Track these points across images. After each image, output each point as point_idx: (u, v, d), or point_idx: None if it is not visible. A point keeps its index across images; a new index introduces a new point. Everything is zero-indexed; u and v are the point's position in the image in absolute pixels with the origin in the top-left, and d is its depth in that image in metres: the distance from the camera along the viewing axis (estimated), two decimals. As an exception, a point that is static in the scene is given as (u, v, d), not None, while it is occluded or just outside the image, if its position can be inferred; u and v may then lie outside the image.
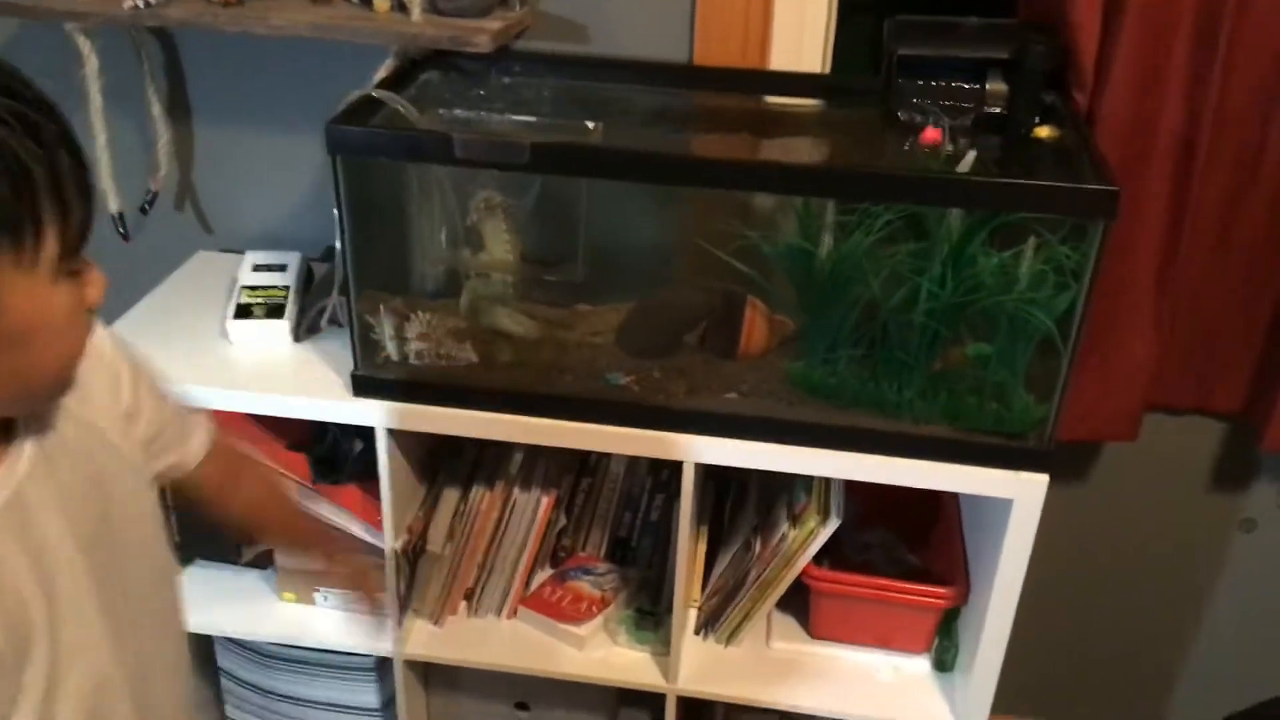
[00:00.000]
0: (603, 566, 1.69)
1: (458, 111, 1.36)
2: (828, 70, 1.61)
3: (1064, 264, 1.22)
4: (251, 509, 1.14)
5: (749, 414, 1.34)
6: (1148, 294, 1.55)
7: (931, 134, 1.36)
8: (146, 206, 1.67)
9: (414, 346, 1.38)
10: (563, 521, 1.64)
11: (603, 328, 1.45)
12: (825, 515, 1.47)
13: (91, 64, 1.48)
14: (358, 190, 1.30)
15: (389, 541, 1.48)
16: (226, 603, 1.65)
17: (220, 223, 1.76)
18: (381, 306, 1.37)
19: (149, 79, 1.58)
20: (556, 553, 1.70)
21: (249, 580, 1.69)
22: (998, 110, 1.40)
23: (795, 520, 1.49)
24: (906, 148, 1.37)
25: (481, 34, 1.33)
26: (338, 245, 1.31)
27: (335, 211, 1.29)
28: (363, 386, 1.39)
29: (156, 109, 1.60)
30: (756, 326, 1.38)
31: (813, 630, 1.60)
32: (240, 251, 1.71)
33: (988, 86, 1.39)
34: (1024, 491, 1.30)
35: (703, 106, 1.53)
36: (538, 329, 1.43)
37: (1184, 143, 1.44)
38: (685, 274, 1.45)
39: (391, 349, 1.38)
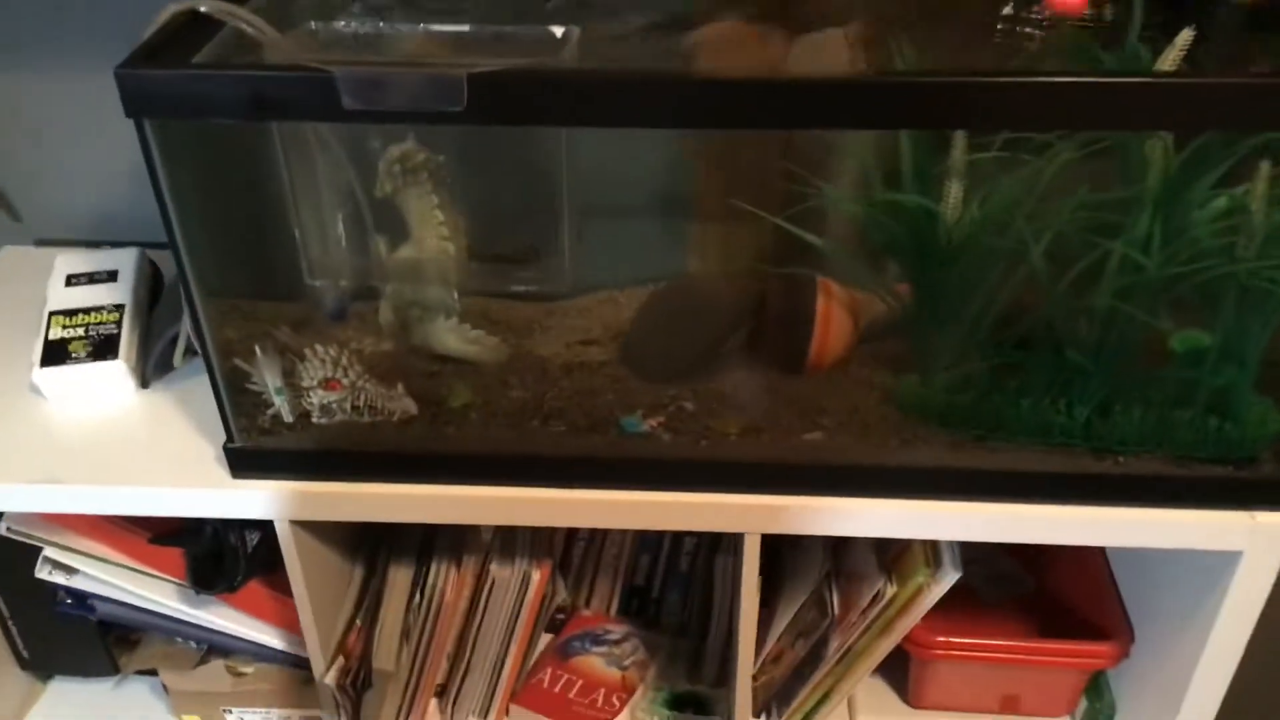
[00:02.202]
0: (616, 630, 1.24)
1: (342, 24, 0.85)
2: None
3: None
4: None
5: (833, 462, 0.88)
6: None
7: (1067, -4, 0.89)
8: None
9: (318, 398, 0.89)
10: (563, 594, 1.19)
11: (596, 332, 0.97)
12: (937, 563, 1.03)
13: None
14: (193, 166, 0.80)
15: (318, 669, 1.02)
16: (105, 732, 1.20)
17: (33, 206, 1.24)
18: (258, 346, 0.88)
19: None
20: (553, 614, 1.26)
21: (134, 694, 1.23)
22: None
23: (893, 571, 1.05)
24: (1033, 26, 0.89)
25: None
26: (174, 257, 0.82)
27: (159, 205, 0.79)
28: (244, 464, 0.91)
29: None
30: (834, 322, 0.91)
31: (913, 699, 1.18)
32: (65, 243, 1.21)
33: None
34: (1259, 541, 0.87)
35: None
36: (501, 347, 0.95)
37: None
38: (719, 250, 0.97)
39: (281, 405, 0.90)
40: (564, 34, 0.80)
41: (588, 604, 1.26)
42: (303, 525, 0.95)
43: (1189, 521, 0.87)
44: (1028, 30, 0.90)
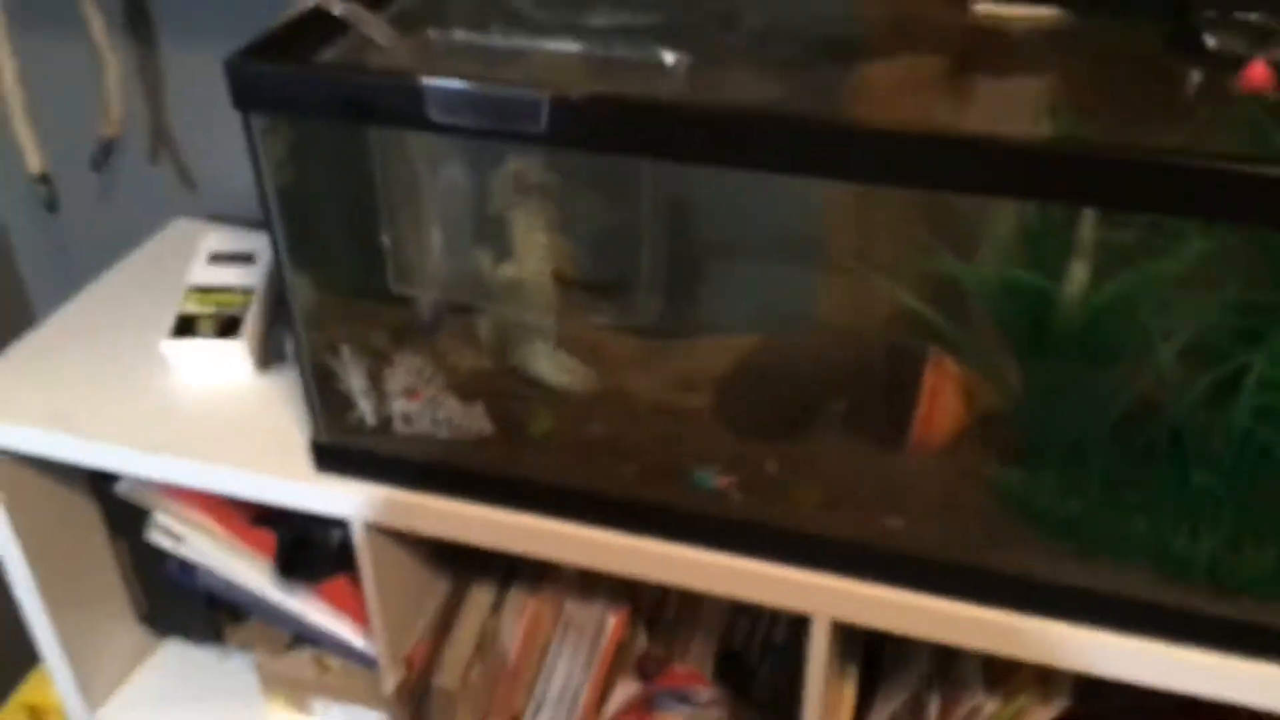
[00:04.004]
0: (706, 693, 1.18)
1: (469, 36, 0.85)
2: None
3: None
4: None
5: (919, 552, 0.80)
6: None
7: (1259, 73, 0.79)
8: (100, 159, 1.23)
9: (398, 407, 0.89)
10: (643, 643, 1.14)
11: (698, 379, 0.93)
12: (1046, 686, 0.93)
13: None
14: (300, 162, 0.82)
15: (383, 675, 1.02)
16: (202, 701, 1.24)
17: (206, 178, 1.30)
18: (346, 347, 0.88)
19: (85, -13, 1.13)
20: (645, 663, 1.21)
21: (233, 669, 1.26)
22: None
23: (995, 685, 0.95)
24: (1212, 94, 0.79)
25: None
26: (272, 248, 0.83)
27: (260, 199, 0.81)
28: (327, 460, 0.91)
29: (98, 27, 1.14)
30: (943, 400, 0.83)
31: (1007, 826, 1.06)
32: (233, 220, 1.27)
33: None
34: None
35: (867, 20, 0.96)
36: (592, 378, 0.92)
37: None
38: (827, 310, 0.91)
39: (365, 408, 0.90)
40: (673, 64, 0.76)
41: (682, 657, 1.21)
42: (381, 530, 0.95)
43: (1322, 684, 0.74)
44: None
